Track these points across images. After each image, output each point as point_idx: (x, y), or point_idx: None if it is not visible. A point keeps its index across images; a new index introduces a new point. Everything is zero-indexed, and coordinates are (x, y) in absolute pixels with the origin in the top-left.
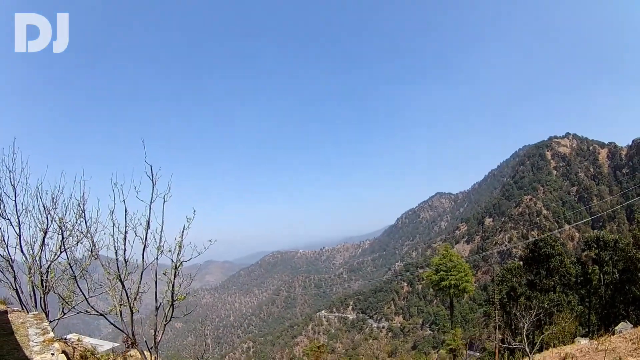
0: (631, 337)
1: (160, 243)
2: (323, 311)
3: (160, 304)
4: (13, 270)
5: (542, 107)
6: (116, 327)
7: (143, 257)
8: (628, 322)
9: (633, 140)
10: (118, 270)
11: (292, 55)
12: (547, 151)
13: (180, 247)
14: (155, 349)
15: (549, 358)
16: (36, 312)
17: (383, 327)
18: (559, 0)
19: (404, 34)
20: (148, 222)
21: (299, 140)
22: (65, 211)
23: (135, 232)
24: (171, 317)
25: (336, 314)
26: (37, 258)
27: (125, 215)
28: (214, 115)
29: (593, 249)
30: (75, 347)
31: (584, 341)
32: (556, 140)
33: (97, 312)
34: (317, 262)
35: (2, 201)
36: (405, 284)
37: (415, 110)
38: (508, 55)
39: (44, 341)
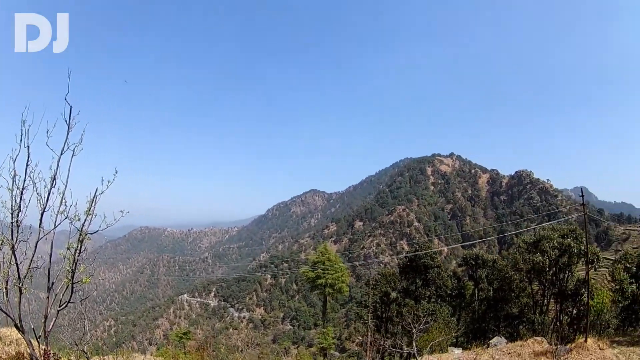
0: (508, 351)
1: (62, 206)
2: (185, 295)
3: (53, 283)
4: None
5: (432, 124)
6: (1, 309)
7: (41, 222)
8: (502, 337)
9: (516, 171)
10: (12, 236)
11: None
12: (428, 167)
13: (90, 214)
14: (45, 339)
15: None
16: None
17: (244, 318)
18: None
19: (302, 31)
20: (53, 178)
21: (182, 117)
22: None
23: (35, 189)
24: (69, 301)
25: (198, 299)
26: None
27: (27, 165)
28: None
29: (471, 265)
30: None
31: (457, 351)
32: (439, 157)
33: None
34: (183, 243)
35: None
36: (269, 276)
37: (303, 102)
38: (406, 61)
39: None
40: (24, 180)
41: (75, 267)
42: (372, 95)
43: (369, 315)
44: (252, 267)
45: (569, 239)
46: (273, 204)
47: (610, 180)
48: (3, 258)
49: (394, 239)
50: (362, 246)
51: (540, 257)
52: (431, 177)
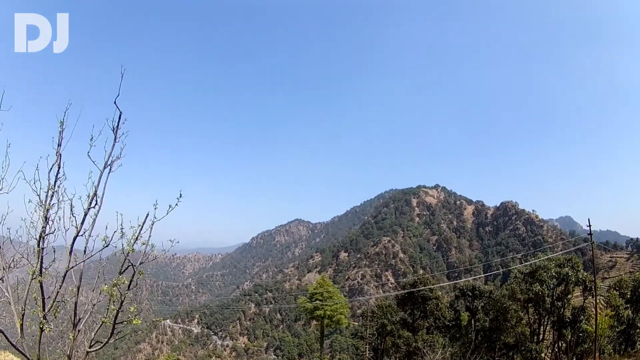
0: None
1: (92, 229)
2: (168, 320)
3: (80, 319)
4: None
5: (416, 155)
6: (17, 348)
7: (72, 248)
8: None
9: (501, 203)
10: (41, 263)
11: None
12: (414, 198)
13: (146, 244)
14: None
15: None
16: None
17: (227, 346)
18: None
19: (289, 54)
20: (94, 196)
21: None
22: None
23: (71, 207)
24: (107, 341)
25: (181, 325)
26: None
27: (57, 179)
28: None
29: (468, 296)
30: None
31: None
32: (424, 189)
33: None
34: (167, 268)
35: None
36: (253, 305)
37: (289, 129)
38: (390, 89)
39: None
40: (51, 197)
41: (121, 306)
42: (357, 125)
43: (366, 347)
44: (236, 295)
45: (566, 268)
46: (258, 232)
47: (594, 209)
48: (16, 286)
49: (379, 270)
50: (347, 277)
51: (539, 287)
52: (416, 208)
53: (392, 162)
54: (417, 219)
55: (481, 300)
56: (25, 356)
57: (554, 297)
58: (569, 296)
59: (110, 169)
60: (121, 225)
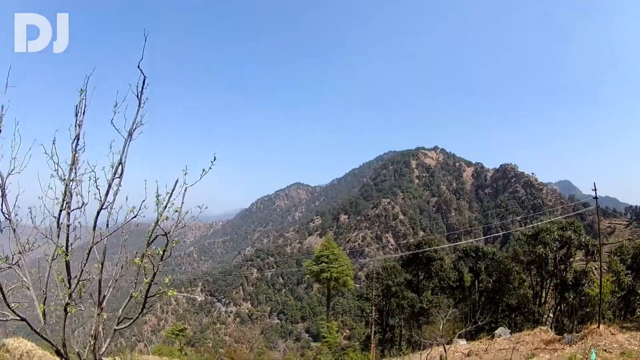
0: (517, 340)
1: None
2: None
3: (105, 296)
4: None
5: (414, 116)
6: (41, 336)
7: (96, 222)
8: (505, 328)
9: (501, 165)
10: (67, 240)
11: None
12: (413, 160)
13: (178, 211)
14: None
15: (447, 354)
16: None
17: (231, 312)
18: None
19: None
20: (119, 165)
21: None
22: None
23: (94, 179)
24: (139, 316)
25: (184, 294)
26: None
27: (76, 148)
28: None
29: (471, 257)
30: None
31: (462, 342)
32: (423, 151)
33: (16, 314)
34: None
35: None
36: (255, 270)
37: (289, 91)
38: (389, 50)
39: None
40: (71, 170)
41: (154, 278)
42: (356, 87)
43: (372, 308)
44: (238, 262)
45: (569, 232)
46: (257, 197)
47: (594, 175)
48: (32, 269)
49: (379, 232)
50: (347, 239)
51: (542, 249)
52: (415, 170)
53: (391, 124)
54: (416, 180)
55: (484, 261)
56: (51, 343)
57: (557, 260)
58: (571, 259)
59: (130, 138)
60: (157, 192)
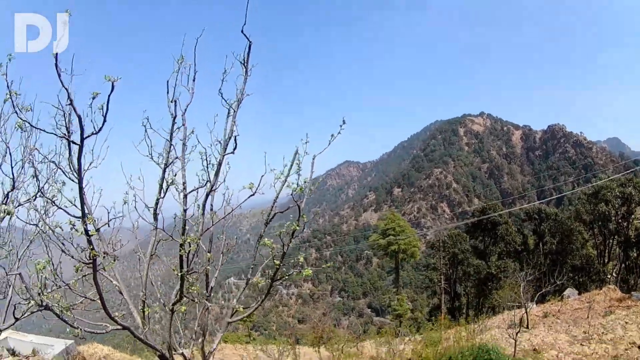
0: (587, 300)
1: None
2: (232, 278)
3: (212, 287)
4: None
5: (457, 85)
6: (144, 342)
7: (205, 207)
8: (573, 289)
9: (549, 126)
10: (184, 228)
11: None
12: (460, 127)
13: (306, 181)
14: None
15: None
16: None
17: (292, 294)
18: None
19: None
20: (229, 138)
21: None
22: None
23: (206, 158)
24: (260, 304)
25: (245, 280)
26: None
27: (171, 128)
28: None
29: (534, 220)
30: None
31: (532, 305)
32: (470, 117)
33: (119, 323)
34: (222, 229)
35: None
36: (314, 251)
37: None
38: (428, 25)
39: None
40: (170, 150)
41: (283, 259)
42: (400, 58)
43: (441, 277)
44: (295, 244)
45: (629, 188)
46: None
47: None
48: (138, 261)
49: (434, 202)
50: (402, 212)
51: (604, 207)
52: (464, 137)
53: (435, 93)
54: (466, 148)
55: (547, 223)
56: (154, 348)
57: (619, 217)
58: (633, 216)
59: (230, 111)
60: (294, 164)
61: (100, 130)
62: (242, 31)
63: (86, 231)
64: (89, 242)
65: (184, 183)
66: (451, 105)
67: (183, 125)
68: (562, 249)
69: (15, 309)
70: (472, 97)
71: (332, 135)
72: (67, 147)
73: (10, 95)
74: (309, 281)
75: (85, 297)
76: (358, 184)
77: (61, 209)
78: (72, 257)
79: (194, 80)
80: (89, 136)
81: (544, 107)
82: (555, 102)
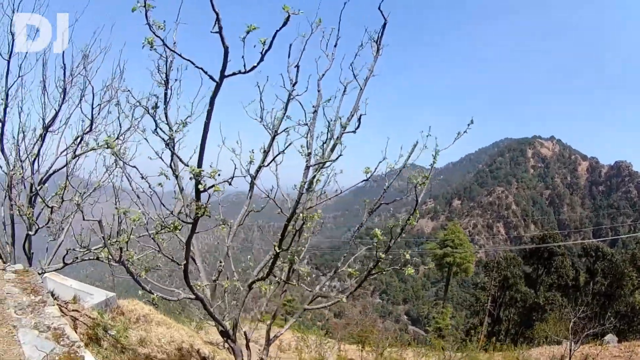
0: (627, 349)
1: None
2: (305, 262)
3: (293, 270)
4: None
5: (531, 104)
6: (213, 315)
7: (313, 182)
8: (614, 335)
9: (615, 162)
10: (297, 203)
11: None
12: (529, 149)
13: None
14: (267, 347)
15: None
16: (17, 267)
17: (334, 287)
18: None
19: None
20: (351, 118)
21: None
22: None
23: (344, 127)
24: (355, 289)
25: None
26: (26, 162)
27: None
28: None
29: (590, 256)
30: (75, 317)
31: (577, 345)
32: (539, 140)
33: (194, 292)
34: (275, 210)
35: None
36: (364, 248)
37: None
38: (508, 45)
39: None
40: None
41: (402, 232)
42: (474, 71)
43: (488, 298)
44: (347, 238)
45: None
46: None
47: None
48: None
49: (490, 221)
50: (459, 225)
51: None
52: (531, 159)
53: (507, 109)
54: (531, 170)
55: (602, 262)
56: (220, 324)
57: None
58: None
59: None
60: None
61: (251, 69)
62: (379, 8)
63: (197, 187)
64: (198, 198)
65: (308, 154)
66: (522, 124)
67: (318, 91)
68: (611, 292)
69: (67, 253)
70: (543, 117)
71: (458, 133)
72: (162, 95)
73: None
74: (352, 278)
75: (172, 260)
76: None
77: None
78: (165, 209)
79: (335, 46)
80: (229, 75)
81: (614, 142)
82: (625, 139)
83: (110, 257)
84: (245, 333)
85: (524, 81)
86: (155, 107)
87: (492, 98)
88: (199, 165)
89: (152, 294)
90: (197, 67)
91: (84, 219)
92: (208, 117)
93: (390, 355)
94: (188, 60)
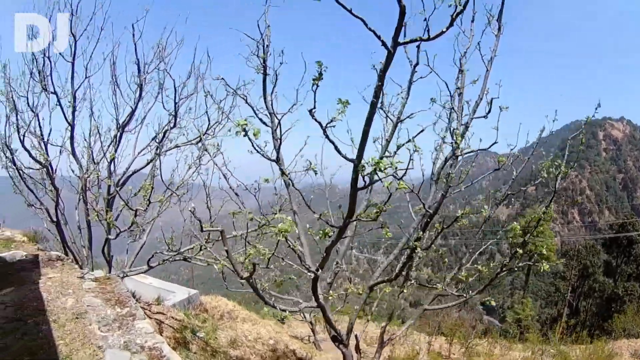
0: None
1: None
2: (354, 250)
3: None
4: (55, 187)
5: (602, 85)
6: (331, 324)
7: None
8: None
9: None
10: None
11: None
12: (600, 131)
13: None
14: (380, 349)
15: None
16: (97, 274)
17: (410, 276)
18: None
19: None
20: (479, 102)
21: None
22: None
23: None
24: (485, 286)
25: (366, 254)
26: (104, 164)
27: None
28: None
29: None
30: (160, 320)
31: None
32: (610, 122)
33: (318, 302)
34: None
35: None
36: (440, 238)
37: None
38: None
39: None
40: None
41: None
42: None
43: (568, 288)
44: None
45: None
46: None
47: None
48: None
49: (565, 207)
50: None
51: None
52: (603, 142)
53: (576, 91)
54: (603, 153)
55: None
56: (335, 330)
57: None
58: None
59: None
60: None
61: (439, 35)
62: None
63: (354, 182)
64: (353, 195)
65: (456, 142)
66: (592, 105)
67: (460, 71)
68: None
69: (152, 256)
70: (613, 97)
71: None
72: (262, 80)
73: None
74: (428, 266)
75: (308, 270)
76: (493, 175)
77: (262, 154)
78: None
79: (472, 21)
80: (406, 42)
81: None
82: None
83: (234, 271)
84: (356, 336)
85: (600, 60)
86: (264, 93)
87: (566, 79)
88: (359, 156)
89: (275, 307)
90: (369, 29)
91: (202, 230)
92: (376, 95)
93: (476, 349)
94: (360, 18)
